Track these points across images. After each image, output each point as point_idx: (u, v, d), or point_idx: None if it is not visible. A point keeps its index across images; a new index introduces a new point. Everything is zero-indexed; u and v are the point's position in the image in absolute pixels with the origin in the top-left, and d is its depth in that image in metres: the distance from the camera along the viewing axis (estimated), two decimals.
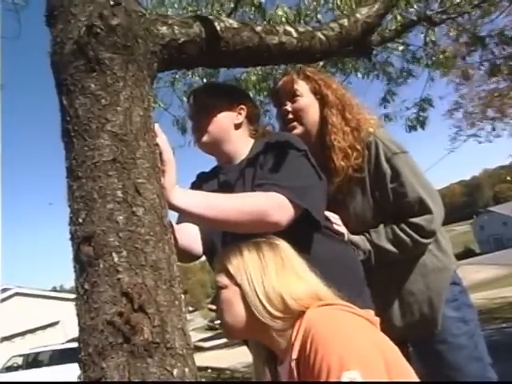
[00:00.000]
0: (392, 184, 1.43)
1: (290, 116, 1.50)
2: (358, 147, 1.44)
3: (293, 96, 1.51)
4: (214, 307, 1.04)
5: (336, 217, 1.40)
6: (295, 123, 1.50)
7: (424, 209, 1.40)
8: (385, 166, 1.42)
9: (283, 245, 1.04)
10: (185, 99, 4.00)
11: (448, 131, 8.21)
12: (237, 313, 0.98)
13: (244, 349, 1.26)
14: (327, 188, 1.31)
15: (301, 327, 0.88)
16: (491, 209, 51.06)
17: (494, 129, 8.16)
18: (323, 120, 1.49)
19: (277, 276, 0.97)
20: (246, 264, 0.99)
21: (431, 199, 1.41)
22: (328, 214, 1.33)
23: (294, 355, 0.87)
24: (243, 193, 1.16)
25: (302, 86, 1.51)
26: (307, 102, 1.50)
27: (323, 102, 1.50)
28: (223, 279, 1.01)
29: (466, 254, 38.47)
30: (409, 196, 1.40)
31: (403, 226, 1.41)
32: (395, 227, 1.42)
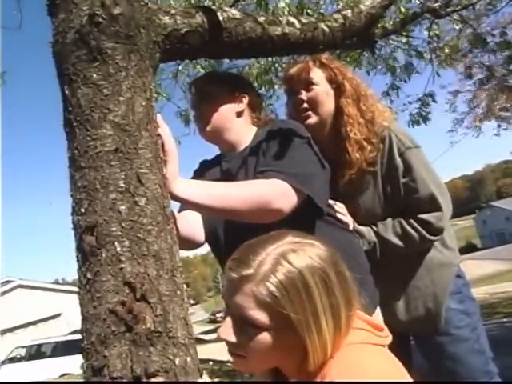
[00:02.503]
0: (404, 179, 1.40)
1: (305, 105, 1.43)
2: (374, 141, 1.40)
3: (308, 84, 1.43)
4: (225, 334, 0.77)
5: (342, 206, 1.39)
6: (310, 112, 1.43)
7: (434, 206, 1.38)
8: (398, 160, 1.39)
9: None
10: (188, 91, 3.97)
11: (451, 125, 8.18)
12: (272, 359, 0.78)
13: None
14: (338, 181, 1.28)
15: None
16: (494, 204, 50.90)
17: (499, 125, 8.13)
18: (338, 110, 1.44)
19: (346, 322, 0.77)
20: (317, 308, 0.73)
21: (442, 196, 1.38)
22: (332, 202, 1.33)
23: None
24: (245, 181, 1.16)
25: (317, 74, 1.44)
26: (323, 91, 1.44)
27: (339, 91, 1.44)
28: (263, 317, 0.73)
29: (468, 249, 38.39)
30: (420, 192, 1.38)
31: (412, 221, 1.39)
32: (403, 221, 1.40)
